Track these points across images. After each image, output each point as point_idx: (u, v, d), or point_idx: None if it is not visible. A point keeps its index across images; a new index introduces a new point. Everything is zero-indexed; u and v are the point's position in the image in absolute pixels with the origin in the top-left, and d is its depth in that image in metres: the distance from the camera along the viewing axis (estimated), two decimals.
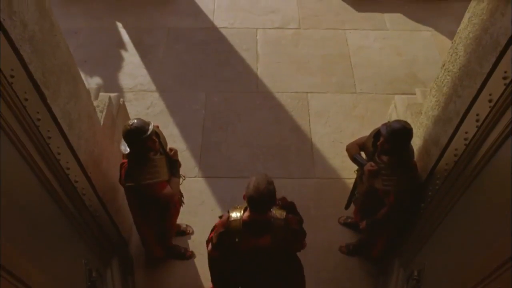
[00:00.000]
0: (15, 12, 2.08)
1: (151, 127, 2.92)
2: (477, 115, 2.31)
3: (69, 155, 2.59)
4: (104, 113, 3.44)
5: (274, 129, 4.75)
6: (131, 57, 5.43)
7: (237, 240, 2.54)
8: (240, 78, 5.20)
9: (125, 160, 3.07)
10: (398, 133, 2.86)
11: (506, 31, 2.11)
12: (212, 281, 3.03)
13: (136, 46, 5.55)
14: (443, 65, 2.99)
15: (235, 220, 2.56)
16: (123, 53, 5.49)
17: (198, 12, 5.96)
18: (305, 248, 2.78)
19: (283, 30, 5.74)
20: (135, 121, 2.91)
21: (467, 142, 2.41)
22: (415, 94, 4.11)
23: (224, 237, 2.60)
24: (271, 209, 2.56)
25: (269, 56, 5.42)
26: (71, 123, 2.71)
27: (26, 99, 2.11)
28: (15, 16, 2.09)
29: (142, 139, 2.89)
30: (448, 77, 2.83)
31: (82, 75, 3.27)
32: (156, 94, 5.02)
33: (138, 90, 5.07)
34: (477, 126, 2.29)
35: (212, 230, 2.78)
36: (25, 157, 2.13)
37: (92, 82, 5.13)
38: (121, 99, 4.10)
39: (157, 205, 3.25)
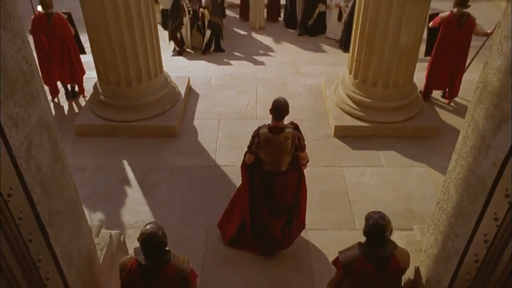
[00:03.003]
0: (32, 157, 2.23)
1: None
2: (476, 255, 2.33)
3: None
4: (104, 251, 3.45)
5: (275, 267, 4.67)
6: (134, 194, 5.56)
7: (264, 137, 4.12)
8: None
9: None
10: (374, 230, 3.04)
11: (490, 174, 2.24)
12: (245, 194, 4.52)
13: (140, 183, 5.72)
14: (438, 203, 3.09)
15: (263, 128, 4.17)
16: (127, 189, 5.65)
17: (201, 151, 6.26)
18: None
19: None
20: (148, 226, 3.05)
21: (469, 283, 2.39)
22: (413, 229, 4.16)
23: (255, 139, 4.17)
24: (285, 124, 4.18)
25: None
26: (71, 262, 2.70)
27: (30, 240, 2.16)
28: (32, 161, 2.23)
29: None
30: (444, 216, 2.90)
31: (85, 211, 3.35)
32: None
33: (139, 227, 5.08)
34: (477, 267, 2.29)
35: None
36: None
37: (94, 217, 5.19)
38: (122, 236, 4.12)
39: None
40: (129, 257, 3.09)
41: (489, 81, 2.27)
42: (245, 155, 4.39)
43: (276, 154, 4.22)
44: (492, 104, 2.24)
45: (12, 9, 1.95)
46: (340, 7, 10.43)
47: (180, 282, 3.05)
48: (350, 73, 6.77)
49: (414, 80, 6.82)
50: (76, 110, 7.22)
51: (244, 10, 11.69)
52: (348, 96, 6.74)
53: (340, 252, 3.24)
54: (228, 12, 11.99)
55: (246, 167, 4.41)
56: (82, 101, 7.38)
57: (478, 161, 2.39)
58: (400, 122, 6.54)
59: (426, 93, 7.37)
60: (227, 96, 7.49)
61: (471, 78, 6.94)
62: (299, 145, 4.20)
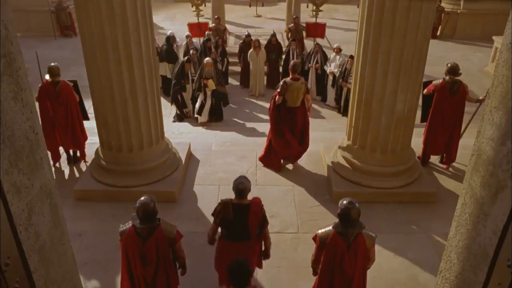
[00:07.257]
0: (32, 224, 2.23)
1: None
2: None
3: None
4: None
5: None
6: None
7: (290, 84, 6.72)
8: None
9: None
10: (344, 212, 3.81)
11: (491, 242, 2.23)
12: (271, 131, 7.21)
13: None
14: (440, 272, 3.03)
15: (287, 78, 6.77)
16: None
17: (201, 217, 6.22)
18: None
19: (283, 235, 5.90)
20: (143, 198, 3.85)
21: None
22: None
23: (284, 84, 6.72)
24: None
25: (269, 261, 5.43)
26: None
27: None
28: (31, 228, 2.23)
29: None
30: (447, 285, 2.85)
31: (81, 278, 3.28)
32: None
33: None
34: None
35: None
36: None
37: (90, 285, 5.07)
38: None
39: None
40: (127, 224, 3.97)
41: (483, 149, 2.33)
42: (273, 99, 6.97)
43: (295, 94, 6.81)
44: (487, 173, 2.28)
45: (24, 82, 2.04)
46: (333, 74, 10.85)
47: (168, 241, 3.96)
48: (348, 139, 6.89)
49: (412, 145, 6.91)
50: (77, 175, 7.26)
51: (244, 77, 12.09)
52: (347, 162, 6.81)
53: (319, 231, 4.04)
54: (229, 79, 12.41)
55: (274, 107, 6.97)
56: (83, 166, 7.44)
57: (477, 229, 2.39)
58: (400, 188, 6.56)
59: (424, 159, 7.45)
60: (227, 162, 7.55)
61: (467, 143, 7.05)
62: (307, 89, 7.04)
